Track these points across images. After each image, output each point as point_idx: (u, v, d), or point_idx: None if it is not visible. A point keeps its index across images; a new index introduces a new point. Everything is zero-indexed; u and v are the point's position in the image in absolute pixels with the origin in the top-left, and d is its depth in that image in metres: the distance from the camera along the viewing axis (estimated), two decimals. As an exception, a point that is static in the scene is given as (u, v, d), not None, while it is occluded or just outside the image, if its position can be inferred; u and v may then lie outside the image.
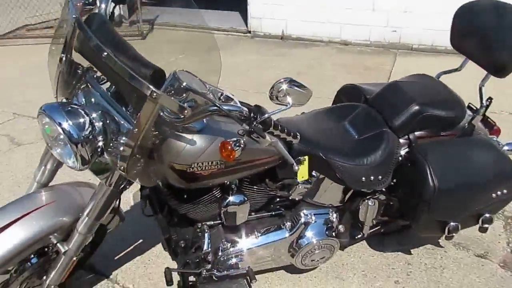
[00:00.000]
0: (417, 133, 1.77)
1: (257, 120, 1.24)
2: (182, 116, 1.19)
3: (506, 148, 1.88)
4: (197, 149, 1.32)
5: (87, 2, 1.42)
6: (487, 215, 1.77)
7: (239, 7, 7.20)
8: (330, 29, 6.22)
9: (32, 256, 1.54)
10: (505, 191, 1.72)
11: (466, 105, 1.97)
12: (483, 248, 2.20)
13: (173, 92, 1.22)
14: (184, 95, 1.22)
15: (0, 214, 1.39)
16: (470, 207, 1.71)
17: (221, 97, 1.45)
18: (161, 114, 1.22)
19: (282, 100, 1.28)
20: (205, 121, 1.35)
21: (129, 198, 2.00)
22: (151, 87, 1.10)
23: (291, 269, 1.98)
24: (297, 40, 6.46)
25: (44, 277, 1.58)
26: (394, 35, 5.95)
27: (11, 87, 4.30)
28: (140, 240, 2.18)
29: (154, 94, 1.10)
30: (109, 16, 1.50)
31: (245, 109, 1.25)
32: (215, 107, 1.20)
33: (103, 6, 1.43)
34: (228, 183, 1.54)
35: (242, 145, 1.28)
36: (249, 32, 6.75)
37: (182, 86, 1.20)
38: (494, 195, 1.71)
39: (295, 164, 1.46)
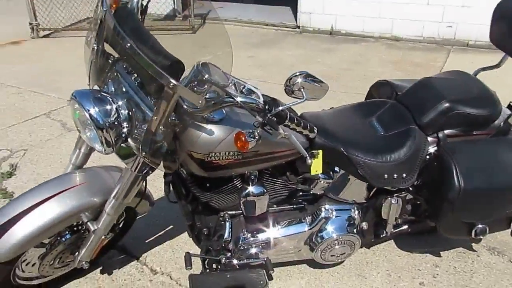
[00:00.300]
0: (446, 132, 1.71)
1: (271, 113, 1.27)
2: (198, 107, 1.25)
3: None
4: (215, 139, 1.37)
5: (121, -5, 1.51)
6: (519, 219, 1.68)
7: (290, 2, 7.18)
8: (381, 24, 6.05)
9: (66, 232, 1.68)
10: (538, 194, 1.62)
11: (508, 103, 1.88)
12: (520, 255, 2.09)
13: (196, 83, 1.28)
14: (206, 86, 1.27)
15: (36, 191, 1.54)
16: (498, 209, 1.63)
17: (243, 90, 1.48)
18: (182, 103, 1.28)
19: (297, 93, 1.29)
20: (225, 113, 1.40)
21: (162, 186, 2.11)
22: (169, 77, 1.17)
23: (313, 264, 1.99)
24: (346, 35, 6.35)
25: (76, 253, 1.72)
26: (449, 30, 5.68)
27: (69, 75, 4.61)
28: (170, 226, 2.28)
29: (171, 84, 1.17)
30: (142, 9, 1.58)
31: (261, 101, 1.28)
32: (230, 99, 1.25)
33: (134, 0, 1.51)
34: (248, 174, 1.58)
35: (256, 137, 1.31)
36: (298, 27, 6.72)
37: (204, 78, 1.25)
38: (526, 199, 1.62)
39: (308, 157, 1.47)
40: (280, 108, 1.28)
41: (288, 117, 1.31)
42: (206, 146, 1.37)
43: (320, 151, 1.52)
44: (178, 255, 2.09)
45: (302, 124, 1.37)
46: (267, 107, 1.28)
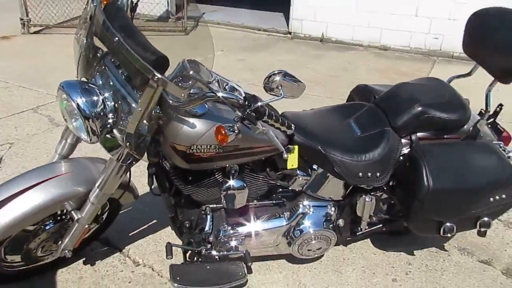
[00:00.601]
0: (419, 134, 1.80)
1: (250, 108, 1.34)
2: (181, 100, 1.31)
3: (511, 154, 1.86)
4: (197, 132, 1.43)
5: (112, -7, 1.57)
6: (486, 219, 1.77)
7: (283, 8, 7.29)
8: (370, 33, 6.18)
9: (49, 221, 1.72)
10: (504, 196, 1.72)
11: (479, 110, 1.98)
12: (488, 254, 2.18)
13: (180, 78, 1.35)
14: (190, 82, 1.34)
15: (21, 179, 1.58)
16: (466, 209, 1.71)
17: (226, 87, 1.55)
18: (166, 97, 1.35)
19: (276, 91, 1.37)
20: (207, 107, 1.47)
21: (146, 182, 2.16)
22: (153, 70, 1.23)
23: (292, 259, 2.05)
24: (336, 43, 6.47)
25: (60, 242, 1.76)
26: (436, 42, 5.83)
27: (58, 72, 4.63)
28: (154, 221, 2.32)
29: (156, 77, 1.23)
30: (131, 7, 1.64)
31: (241, 97, 1.35)
32: (211, 93, 1.31)
33: (124, -3, 1.57)
34: (229, 168, 1.65)
35: (235, 131, 1.38)
36: (290, 33, 6.83)
37: (188, 74, 1.32)
38: (492, 199, 1.71)
39: (284, 152, 1.54)
40: (259, 104, 1.35)
41: (267, 113, 1.38)
42: (188, 138, 1.43)
43: (296, 146, 1.59)
44: (161, 248, 2.14)
45: (280, 120, 1.44)
46: (246, 103, 1.34)
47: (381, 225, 2.03)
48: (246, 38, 6.69)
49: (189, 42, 2.51)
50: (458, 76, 2.04)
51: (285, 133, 1.55)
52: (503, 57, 1.69)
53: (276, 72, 1.37)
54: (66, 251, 1.75)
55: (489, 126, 1.99)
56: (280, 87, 1.36)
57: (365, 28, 6.19)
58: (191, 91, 1.37)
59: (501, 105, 1.98)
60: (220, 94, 1.32)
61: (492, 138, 1.92)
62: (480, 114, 1.92)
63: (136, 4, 1.67)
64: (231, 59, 5.37)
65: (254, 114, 1.35)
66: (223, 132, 1.36)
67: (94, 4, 1.40)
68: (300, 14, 6.60)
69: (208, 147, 1.46)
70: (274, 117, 1.41)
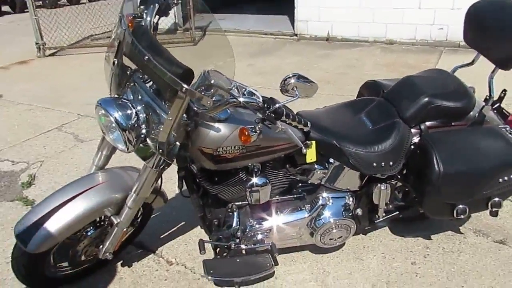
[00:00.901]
0: (428, 123, 1.91)
1: (269, 110, 1.48)
2: (207, 107, 1.46)
3: (519, 137, 1.96)
4: (222, 135, 1.58)
5: (136, 15, 1.73)
6: (496, 199, 1.86)
7: (287, 11, 7.44)
8: (375, 29, 6.29)
9: (90, 228, 1.88)
10: (512, 176, 1.82)
11: (484, 97, 2.09)
12: (503, 234, 2.27)
13: (203, 88, 1.49)
14: (212, 90, 1.48)
15: (64, 190, 1.74)
16: (476, 191, 1.81)
17: (245, 92, 1.68)
18: (192, 106, 1.49)
19: (291, 92, 1.50)
20: (229, 112, 1.61)
21: (173, 188, 2.31)
22: (181, 83, 1.38)
23: (315, 249, 2.18)
24: (342, 41, 6.59)
25: (101, 246, 1.92)
26: (441, 32, 5.91)
27: (77, 91, 4.86)
28: (183, 223, 2.47)
29: (183, 88, 1.38)
30: (154, 27, 1.79)
31: (260, 100, 1.49)
32: (233, 99, 1.45)
33: (148, 18, 1.73)
34: (252, 167, 1.78)
35: (257, 131, 1.52)
36: (296, 35, 6.98)
37: (210, 83, 1.46)
38: (501, 180, 1.81)
39: (303, 147, 1.67)
40: (277, 105, 1.48)
41: (285, 113, 1.51)
42: (215, 142, 1.57)
43: (314, 142, 1.72)
44: (191, 247, 2.28)
45: (297, 119, 1.57)
46: (265, 105, 1.48)
47: (397, 212, 2.14)
48: (254, 43, 6.86)
49: (207, 51, 2.66)
50: (462, 66, 2.15)
51: (302, 131, 1.68)
52: (502, 45, 1.80)
53: (290, 75, 1.50)
54: (108, 254, 1.91)
55: (495, 111, 2.10)
56: (295, 89, 1.50)
57: (369, 24, 6.30)
58: (214, 99, 1.51)
59: (505, 90, 2.09)
60: (241, 99, 1.46)
61: (498, 123, 2.02)
62: (485, 100, 2.02)
63: (157, 23, 1.83)
64: (240, 65, 5.51)
65: (273, 115, 1.48)
66: (246, 133, 1.50)
67: (123, 28, 1.55)
68: (305, 15, 6.75)
69: (233, 148, 1.60)
70: (291, 117, 1.55)
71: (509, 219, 2.40)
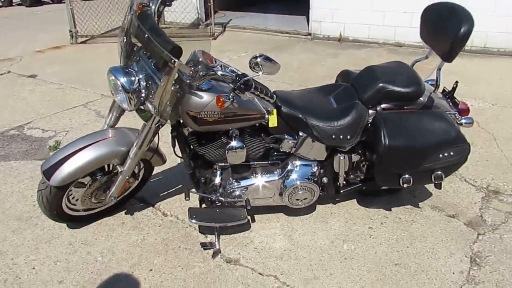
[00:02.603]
0: (383, 106, 2.25)
1: (239, 81, 1.86)
2: (192, 77, 1.86)
3: (464, 121, 2.29)
4: (204, 101, 1.97)
5: (144, 4, 2.14)
6: (439, 172, 2.19)
7: (305, 12, 7.79)
8: (385, 31, 6.57)
9: (101, 174, 2.31)
10: (451, 153, 2.14)
11: (442, 89, 2.43)
12: (456, 211, 2.58)
13: (193, 63, 1.90)
14: (200, 66, 1.89)
15: (81, 140, 2.18)
16: (417, 163, 2.14)
17: (226, 69, 2.05)
18: (181, 76, 1.90)
19: (257, 69, 1.88)
20: (212, 84, 2.01)
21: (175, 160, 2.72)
22: (171, 56, 1.78)
23: (287, 212, 2.55)
24: (353, 42, 6.90)
25: (108, 192, 2.35)
26: (447, 37, 6.11)
27: (102, 75, 5.31)
28: (180, 185, 2.87)
29: (172, 60, 1.78)
30: (158, 14, 2.21)
31: (233, 74, 1.88)
32: (213, 72, 1.85)
33: (153, 6, 2.14)
34: (231, 132, 2.17)
35: (230, 99, 1.91)
36: (310, 34, 7.32)
37: (198, 59, 1.87)
38: (441, 155, 2.14)
39: (266, 113, 2.06)
40: (245, 78, 1.87)
41: (253, 86, 1.90)
42: (198, 106, 1.97)
43: (275, 110, 2.10)
44: (184, 204, 2.68)
45: (264, 91, 1.96)
46: (237, 78, 1.87)
47: (360, 184, 2.49)
48: (269, 41, 7.24)
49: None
50: (418, 60, 2.51)
51: (274, 104, 2.06)
52: (444, 41, 2.13)
53: (257, 55, 1.88)
54: (112, 198, 2.34)
55: (449, 100, 2.43)
56: (261, 66, 1.87)
57: (380, 27, 6.59)
58: (200, 73, 1.91)
59: (457, 82, 2.42)
60: (219, 72, 1.86)
61: (449, 109, 2.35)
62: (443, 92, 2.35)
63: (161, 12, 2.24)
64: (253, 59, 5.92)
65: (243, 86, 1.87)
66: (221, 99, 1.90)
67: (132, 13, 1.97)
68: (319, 16, 7.09)
69: (213, 112, 1.99)
70: (259, 89, 1.93)
71: (466, 199, 2.70)
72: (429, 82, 2.53)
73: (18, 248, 2.32)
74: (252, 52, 6.80)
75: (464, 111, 2.38)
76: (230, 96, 1.91)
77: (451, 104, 2.39)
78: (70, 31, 7.21)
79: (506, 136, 3.52)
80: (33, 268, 2.18)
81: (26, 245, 2.35)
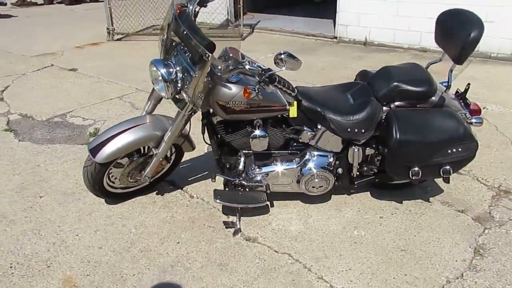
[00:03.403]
0: (397, 103, 2.43)
1: (265, 75, 2.09)
2: (222, 70, 2.10)
3: (474, 120, 2.45)
4: (232, 92, 2.21)
5: (183, 4, 2.40)
6: (447, 167, 2.35)
7: (332, 16, 7.97)
8: (411, 36, 6.68)
9: (137, 155, 2.58)
10: (460, 149, 2.30)
11: (455, 91, 2.60)
12: (465, 206, 2.73)
13: (224, 58, 2.15)
14: (230, 61, 2.13)
15: (122, 124, 2.46)
16: (426, 157, 2.30)
17: (254, 65, 2.28)
18: (213, 69, 2.14)
19: (280, 65, 2.10)
20: (240, 77, 2.24)
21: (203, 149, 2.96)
22: (205, 50, 2.03)
23: (305, 200, 2.76)
24: (378, 46, 7.03)
25: (143, 172, 2.62)
26: (473, 44, 6.17)
27: (136, 70, 5.69)
28: (206, 172, 3.13)
29: (206, 54, 2.02)
30: (195, 14, 2.46)
31: (260, 69, 2.11)
32: (241, 66, 2.09)
33: (191, 7, 2.40)
34: (255, 122, 2.39)
35: (256, 90, 2.14)
36: (336, 37, 7.49)
37: (229, 55, 2.11)
38: (449, 151, 2.30)
39: (287, 105, 2.27)
40: (270, 72, 2.09)
41: (277, 80, 2.12)
42: (227, 96, 2.21)
43: (295, 102, 2.31)
44: (210, 188, 2.92)
45: (286, 85, 2.18)
46: (263, 72, 2.10)
47: (373, 177, 2.67)
48: (296, 43, 7.45)
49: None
50: (433, 62, 2.66)
51: (290, 95, 2.28)
52: (454, 44, 2.30)
53: (282, 52, 2.10)
54: (147, 177, 2.61)
55: (461, 100, 2.58)
56: (284, 62, 2.09)
57: (405, 32, 6.70)
58: (230, 67, 2.15)
59: (469, 84, 2.58)
60: (247, 67, 2.09)
61: (460, 109, 2.51)
62: (456, 93, 2.52)
63: (198, 12, 2.50)
64: (280, 60, 6.14)
65: (267, 79, 2.10)
66: (248, 90, 2.14)
67: (172, 12, 2.24)
68: (345, 20, 7.25)
69: (240, 102, 2.23)
70: (281, 83, 2.16)
71: (476, 196, 2.84)
72: (443, 84, 2.68)
73: (64, 218, 2.62)
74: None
75: (475, 112, 2.53)
76: (256, 88, 2.15)
77: (463, 104, 2.55)
78: (108, 28, 7.62)
79: (522, 140, 3.62)
80: (77, 235, 2.47)
81: (71, 216, 2.64)
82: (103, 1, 7.70)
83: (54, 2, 13.00)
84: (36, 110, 4.35)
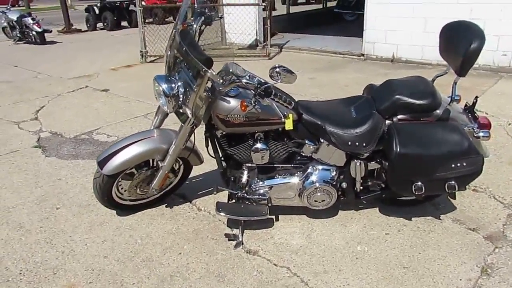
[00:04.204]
0: (399, 116, 2.40)
1: (260, 88, 2.14)
2: (221, 85, 2.18)
3: (481, 134, 2.36)
4: (231, 106, 2.27)
5: (188, 23, 2.52)
6: (452, 182, 2.27)
7: (360, 34, 7.96)
8: (439, 53, 6.51)
9: (145, 168, 2.68)
10: (464, 164, 2.23)
11: (464, 104, 2.53)
12: (478, 224, 2.61)
13: (224, 73, 2.22)
14: (230, 76, 2.21)
15: (130, 137, 2.58)
16: (429, 171, 2.24)
17: (254, 79, 2.32)
18: (213, 83, 2.22)
19: (276, 78, 2.14)
20: (240, 91, 2.31)
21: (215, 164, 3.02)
22: (203, 66, 2.11)
23: (309, 214, 2.75)
24: (406, 62, 6.94)
25: (150, 185, 2.71)
26: (504, 58, 6.00)
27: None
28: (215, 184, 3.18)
29: (204, 69, 2.11)
30: (199, 32, 2.57)
31: (256, 82, 2.16)
32: (238, 80, 2.15)
33: (195, 25, 2.51)
34: (257, 135, 2.43)
35: (252, 104, 2.19)
36: (363, 55, 7.47)
37: (228, 70, 2.19)
38: (453, 165, 2.23)
39: (283, 117, 2.30)
40: (266, 85, 2.14)
41: (273, 93, 2.17)
42: (226, 110, 2.27)
43: (291, 114, 2.33)
44: (218, 199, 2.97)
45: (282, 98, 2.22)
46: (259, 85, 2.15)
47: (379, 192, 2.62)
48: (322, 60, 7.48)
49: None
50: (439, 75, 2.61)
51: (287, 107, 2.31)
52: (457, 57, 2.25)
53: (277, 65, 2.15)
54: (154, 189, 2.71)
55: (469, 113, 2.51)
56: (279, 75, 2.14)
57: (433, 48, 6.44)
58: (228, 81, 2.21)
59: (476, 97, 2.51)
60: (243, 81, 2.15)
61: (467, 123, 2.43)
62: (465, 106, 2.46)
63: (203, 30, 2.61)
64: (303, 78, 6.18)
65: (263, 92, 2.14)
66: (244, 104, 2.19)
67: (175, 30, 2.35)
68: (372, 37, 7.22)
69: (238, 116, 2.28)
70: (278, 96, 2.20)
71: (490, 215, 2.72)
72: (455, 97, 2.60)
73: (76, 228, 2.74)
74: (304, 71, 7.13)
75: (484, 125, 2.45)
76: (252, 101, 2.20)
77: (471, 117, 2.47)
78: (141, 51, 7.98)
79: (549, 157, 3.43)
80: (85, 245, 2.57)
81: (82, 226, 2.76)
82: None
83: (97, 28, 13.78)
84: (65, 128, 4.61)
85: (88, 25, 13.75)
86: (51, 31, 11.32)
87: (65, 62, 8.37)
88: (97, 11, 13.63)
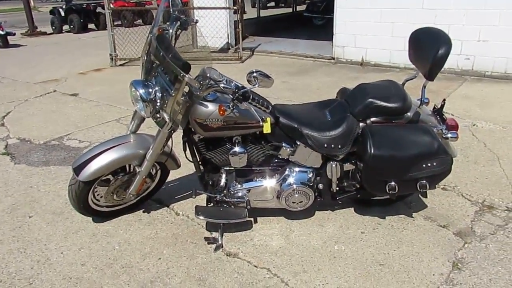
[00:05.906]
0: (373, 119, 2.48)
1: (238, 93, 2.17)
2: (198, 89, 2.19)
3: (449, 135, 2.48)
4: (209, 110, 2.29)
5: (163, 28, 2.52)
6: (423, 181, 2.37)
7: (331, 38, 8.11)
8: (406, 56, 6.70)
9: (122, 174, 2.65)
10: (434, 163, 2.33)
11: (433, 106, 2.65)
12: (448, 221, 2.73)
13: (201, 78, 2.23)
14: (207, 80, 2.22)
15: (105, 144, 2.55)
16: (402, 171, 2.33)
17: (230, 83, 2.34)
18: (191, 88, 2.23)
19: (253, 82, 2.18)
20: (217, 95, 2.33)
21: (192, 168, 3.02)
22: (180, 70, 2.12)
23: (288, 216, 2.79)
24: (375, 66, 7.13)
25: (127, 190, 2.68)
26: (467, 62, 6.27)
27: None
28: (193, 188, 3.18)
29: (181, 74, 2.11)
30: (175, 37, 2.57)
31: (233, 87, 2.19)
32: (216, 85, 2.17)
33: (170, 30, 2.51)
34: (234, 139, 2.46)
35: (230, 108, 2.22)
36: (333, 58, 7.62)
37: (206, 74, 2.20)
38: (424, 165, 2.33)
39: (260, 121, 2.34)
40: (242, 90, 2.17)
41: (251, 97, 2.20)
42: (204, 114, 2.29)
43: (269, 118, 2.37)
44: (196, 203, 2.98)
45: (260, 102, 2.25)
46: (236, 90, 2.18)
47: (354, 192, 2.70)
48: (294, 64, 7.58)
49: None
50: (409, 79, 2.72)
51: (264, 111, 2.35)
52: (425, 62, 2.36)
53: (254, 70, 2.18)
54: (131, 195, 2.68)
55: (437, 115, 2.63)
56: (256, 80, 2.17)
57: (401, 52, 6.75)
58: (205, 86, 2.23)
59: (444, 100, 2.63)
60: (221, 85, 2.17)
61: (436, 125, 2.54)
62: (434, 109, 2.57)
63: (179, 35, 2.61)
64: (276, 81, 6.18)
65: (241, 97, 2.17)
66: (222, 108, 2.21)
67: (151, 35, 2.35)
68: (342, 41, 7.38)
69: (216, 120, 2.30)
70: (255, 100, 2.23)
71: (459, 212, 2.85)
72: (424, 100, 2.71)
73: (50, 237, 2.68)
74: (276, 75, 7.20)
75: (452, 127, 2.56)
76: (231, 106, 2.22)
77: (439, 119, 2.59)
78: (110, 54, 7.85)
79: (510, 156, 3.62)
80: (61, 253, 2.52)
81: (57, 234, 2.70)
82: (108, 29, 7.96)
83: (63, 31, 13.42)
84: (34, 134, 4.48)
85: (54, 27, 13.37)
86: (14, 34, 10.92)
87: (30, 66, 8.11)
88: (62, 14, 13.27)
